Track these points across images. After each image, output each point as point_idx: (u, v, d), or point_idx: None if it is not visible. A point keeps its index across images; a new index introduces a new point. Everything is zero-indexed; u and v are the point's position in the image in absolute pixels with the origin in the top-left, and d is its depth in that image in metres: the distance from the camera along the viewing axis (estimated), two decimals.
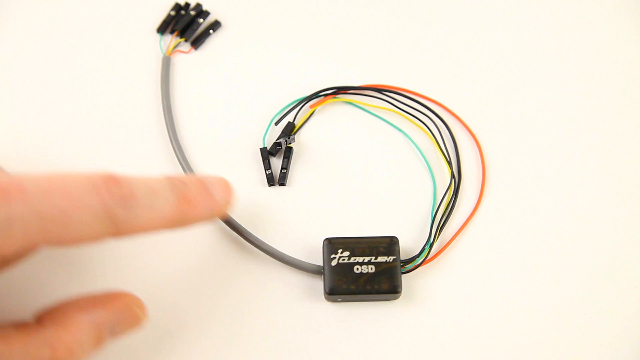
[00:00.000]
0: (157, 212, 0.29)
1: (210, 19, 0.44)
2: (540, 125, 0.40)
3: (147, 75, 0.42)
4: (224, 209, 0.32)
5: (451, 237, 0.37)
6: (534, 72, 0.42)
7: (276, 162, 0.40)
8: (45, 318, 0.30)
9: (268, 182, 0.39)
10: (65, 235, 0.27)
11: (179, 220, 0.30)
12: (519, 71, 0.42)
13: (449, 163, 0.39)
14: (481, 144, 0.40)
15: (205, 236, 0.38)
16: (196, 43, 0.43)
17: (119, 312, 0.31)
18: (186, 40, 0.43)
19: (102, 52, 0.42)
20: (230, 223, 0.37)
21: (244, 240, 0.37)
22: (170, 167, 0.39)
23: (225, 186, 0.33)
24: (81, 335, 0.30)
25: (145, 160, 0.40)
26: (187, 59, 0.43)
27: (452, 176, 0.39)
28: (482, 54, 0.42)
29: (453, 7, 0.43)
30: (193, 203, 0.30)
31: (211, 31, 0.43)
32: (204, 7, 0.44)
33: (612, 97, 0.41)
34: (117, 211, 0.27)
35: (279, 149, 0.39)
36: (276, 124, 0.40)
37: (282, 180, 0.39)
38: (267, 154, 0.39)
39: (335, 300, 0.36)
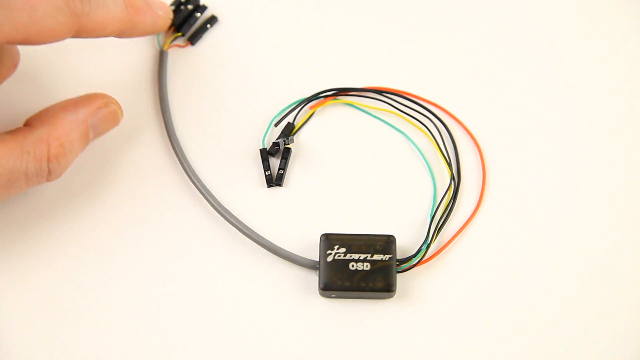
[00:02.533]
0: (110, 11, 0.33)
1: (207, 14, 0.43)
2: (540, 128, 0.40)
3: (144, 70, 0.42)
4: (165, 22, 0.39)
5: (449, 238, 0.37)
6: (533, 74, 0.42)
7: (275, 163, 0.39)
8: (34, 121, 0.34)
9: (267, 184, 0.39)
10: (32, 29, 0.30)
11: (128, 25, 0.35)
12: (518, 74, 0.42)
13: (449, 165, 0.39)
14: (481, 146, 0.40)
15: (201, 225, 0.38)
16: (193, 38, 0.43)
17: (100, 109, 0.35)
18: (183, 35, 0.43)
19: (99, 43, 0.42)
20: (226, 217, 0.37)
21: (240, 233, 0.37)
22: (168, 163, 0.39)
23: (165, 4, 0.39)
24: (70, 132, 0.34)
25: (142, 157, 0.39)
26: (184, 55, 0.42)
27: (452, 178, 0.38)
28: (481, 56, 0.42)
29: (453, 10, 0.43)
30: (140, 11, 0.36)
31: (208, 26, 0.43)
32: (202, 2, 0.43)
33: (614, 99, 0.41)
34: (76, 4, 0.32)
35: (277, 149, 0.39)
36: (276, 125, 0.40)
37: (279, 181, 0.39)
38: (266, 155, 0.39)
39: (329, 296, 0.36)
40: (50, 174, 0.33)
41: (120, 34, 0.35)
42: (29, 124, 0.34)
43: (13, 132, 0.33)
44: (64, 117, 0.34)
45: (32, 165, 0.32)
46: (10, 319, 0.36)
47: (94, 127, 0.35)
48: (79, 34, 0.33)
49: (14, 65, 0.36)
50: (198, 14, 0.43)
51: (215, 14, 0.43)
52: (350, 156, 0.40)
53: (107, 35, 0.35)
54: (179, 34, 0.42)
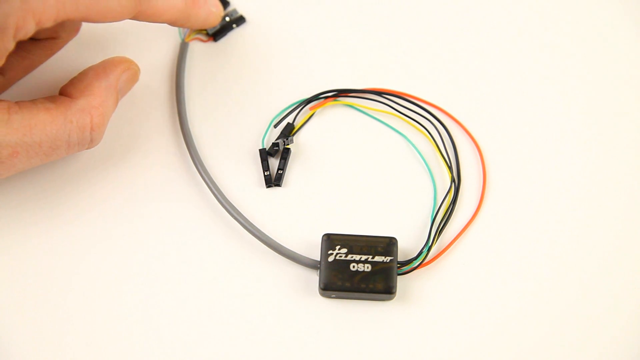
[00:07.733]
0: (171, 0, 0.36)
1: (237, 13, 0.43)
2: (541, 130, 0.40)
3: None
4: (216, 19, 0.40)
5: (450, 241, 0.37)
6: (534, 76, 0.42)
7: (274, 163, 0.39)
8: (72, 90, 0.35)
9: (266, 184, 0.39)
10: (93, 9, 0.32)
11: (184, 15, 0.37)
12: (519, 75, 0.42)
13: (449, 167, 0.39)
14: (482, 148, 0.40)
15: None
16: (217, 35, 0.43)
17: (124, 72, 0.37)
18: (207, 34, 0.43)
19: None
20: (230, 212, 0.37)
21: (243, 229, 0.37)
22: (177, 153, 0.39)
23: (218, 3, 0.40)
24: (106, 99, 0.35)
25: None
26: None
27: (452, 180, 0.38)
28: (482, 58, 0.42)
29: (453, 12, 0.44)
30: (197, 4, 0.38)
31: (234, 26, 0.43)
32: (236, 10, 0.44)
33: (614, 101, 0.41)
34: None
35: (276, 150, 0.39)
36: (275, 126, 0.40)
37: (278, 181, 0.39)
38: (265, 155, 0.39)
39: (329, 296, 0.36)
40: (92, 142, 0.35)
41: (174, 23, 0.37)
42: (66, 93, 0.35)
43: (55, 101, 0.34)
44: (100, 86, 0.35)
45: (75, 134, 0.34)
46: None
47: (121, 90, 0.37)
48: (136, 17, 0.34)
49: (76, 30, 0.38)
50: (228, 18, 0.43)
51: (245, 14, 0.43)
52: (350, 158, 0.40)
53: (162, 22, 0.36)
54: (204, 31, 0.43)
